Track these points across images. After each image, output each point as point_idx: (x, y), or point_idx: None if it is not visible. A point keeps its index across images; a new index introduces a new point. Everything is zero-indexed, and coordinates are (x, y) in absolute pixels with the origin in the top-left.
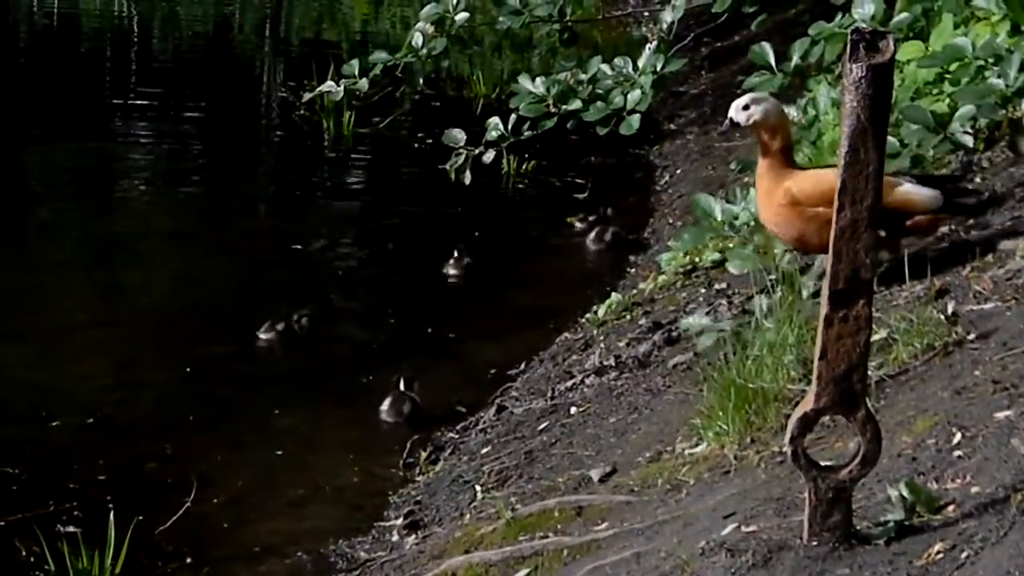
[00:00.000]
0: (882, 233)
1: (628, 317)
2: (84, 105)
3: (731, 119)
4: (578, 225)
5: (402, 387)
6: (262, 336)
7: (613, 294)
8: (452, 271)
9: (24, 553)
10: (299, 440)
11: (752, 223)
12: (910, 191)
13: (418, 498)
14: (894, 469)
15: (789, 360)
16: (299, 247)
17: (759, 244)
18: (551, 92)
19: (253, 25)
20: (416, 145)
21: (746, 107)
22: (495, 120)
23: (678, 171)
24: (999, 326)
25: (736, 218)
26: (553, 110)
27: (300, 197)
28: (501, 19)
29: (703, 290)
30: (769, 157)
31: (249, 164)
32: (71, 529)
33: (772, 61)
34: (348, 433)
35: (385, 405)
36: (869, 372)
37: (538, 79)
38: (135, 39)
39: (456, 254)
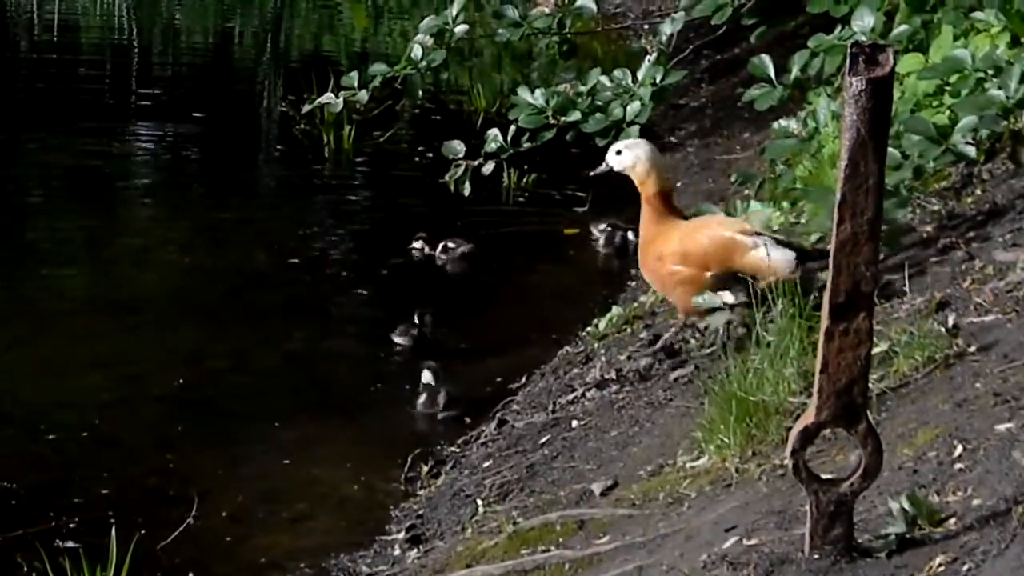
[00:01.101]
0: (730, 299)
1: (629, 330)
2: (83, 117)
3: (607, 163)
4: (595, 233)
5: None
6: (397, 340)
7: (614, 307)
8: (456, 262)
9: (26, 569)
10: (300, 454)
11: None
12: (763, 255)
13: (420, 512)
14: (895, 482)
15: (790, 373)
16: (296, 260)
17: None
18: (550, 104)
19: (253, 38)
20: (416, 159)
21: (619, 152)
22: (494, 132)
23: (678, 184)
24: (1000, 338)
25: None
26: (552, 122)
27: (299, 210)
28: (500, 31)
29: None
30: (647, 203)
31: (249, 177)
32: (73, 545)
33: (772, 73)
34: (349, 447)
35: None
36: (870, 385)
37: (537, 91)
38: (135, 51)
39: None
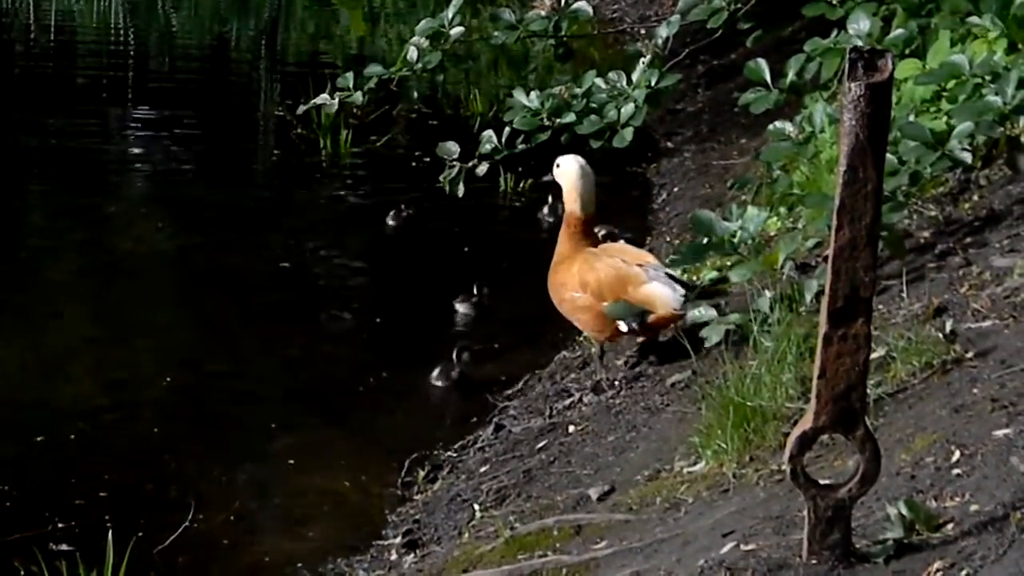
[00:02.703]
0: (624, 327)
1: None
2: (79, 122)
3: (551, 174)
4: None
5: (455, 358)
6: (459, 308)
7: None
8: (459, 305)
9: (23, 573)
10: (297, 458)
11: (751, 241)
12: (654, 290)
13: (416, 517)
14: (893, 487)
15: (788, 378)
16: (292, 265)
17: (759, 262)
18: (545, 106)
19: (249, 42)
20: (413, 163)
21: (558, 166)
22: (489, 133)
23: (675, 189)
24: (997, 344)
25: (734, 236)
26: (547, 124)
27: (296, 214)
28: (496, 34)
29: None
30: (565, 222)
31: (246, 182)
32: (69, 548)
33: (768, 78)
34: (346, 451)
35: (435, 372)
36: (868, 390)
37: (532, 93)
38: (131, 56)
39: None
